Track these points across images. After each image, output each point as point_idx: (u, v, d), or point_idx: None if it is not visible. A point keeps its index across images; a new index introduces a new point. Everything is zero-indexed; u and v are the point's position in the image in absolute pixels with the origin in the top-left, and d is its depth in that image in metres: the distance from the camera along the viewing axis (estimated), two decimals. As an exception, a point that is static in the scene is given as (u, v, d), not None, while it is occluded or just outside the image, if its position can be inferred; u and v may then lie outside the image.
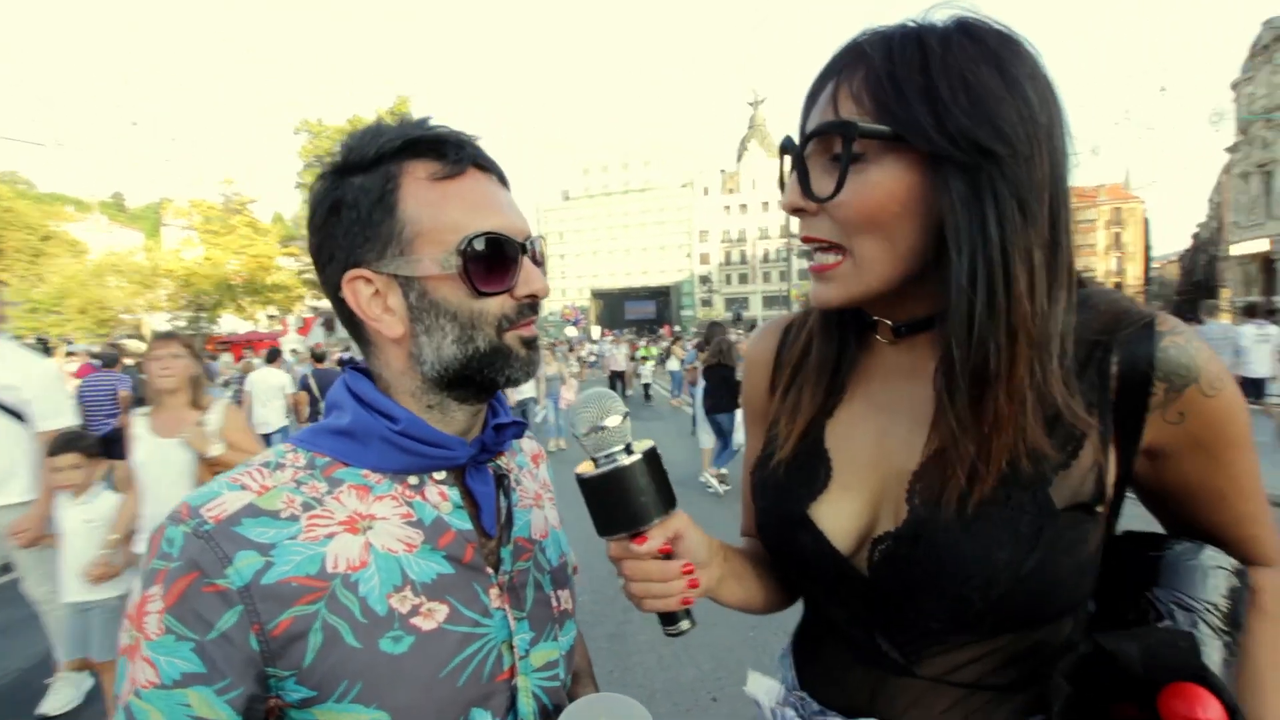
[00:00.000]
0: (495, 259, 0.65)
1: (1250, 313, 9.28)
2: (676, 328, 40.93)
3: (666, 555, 0.69)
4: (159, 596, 0.57)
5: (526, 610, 0.73)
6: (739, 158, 70.98)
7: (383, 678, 0.61)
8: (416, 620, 0.63)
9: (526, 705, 0.70)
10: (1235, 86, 32.57)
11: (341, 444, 0.68)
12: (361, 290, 0.66)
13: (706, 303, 69.30)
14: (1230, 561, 0.69)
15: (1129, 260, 65.11)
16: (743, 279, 70.28)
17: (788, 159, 0.71)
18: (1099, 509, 0.65)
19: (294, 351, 12.03)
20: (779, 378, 0.85)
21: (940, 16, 0.63)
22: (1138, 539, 0.74)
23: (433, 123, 0.68)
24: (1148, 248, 66.29)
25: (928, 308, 0.69)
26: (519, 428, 0.77)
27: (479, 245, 0.64)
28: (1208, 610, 0.66)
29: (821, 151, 0.66)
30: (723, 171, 74.23)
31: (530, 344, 0.70)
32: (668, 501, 0.67)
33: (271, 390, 7.84)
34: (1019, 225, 0.61)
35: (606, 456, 0.66)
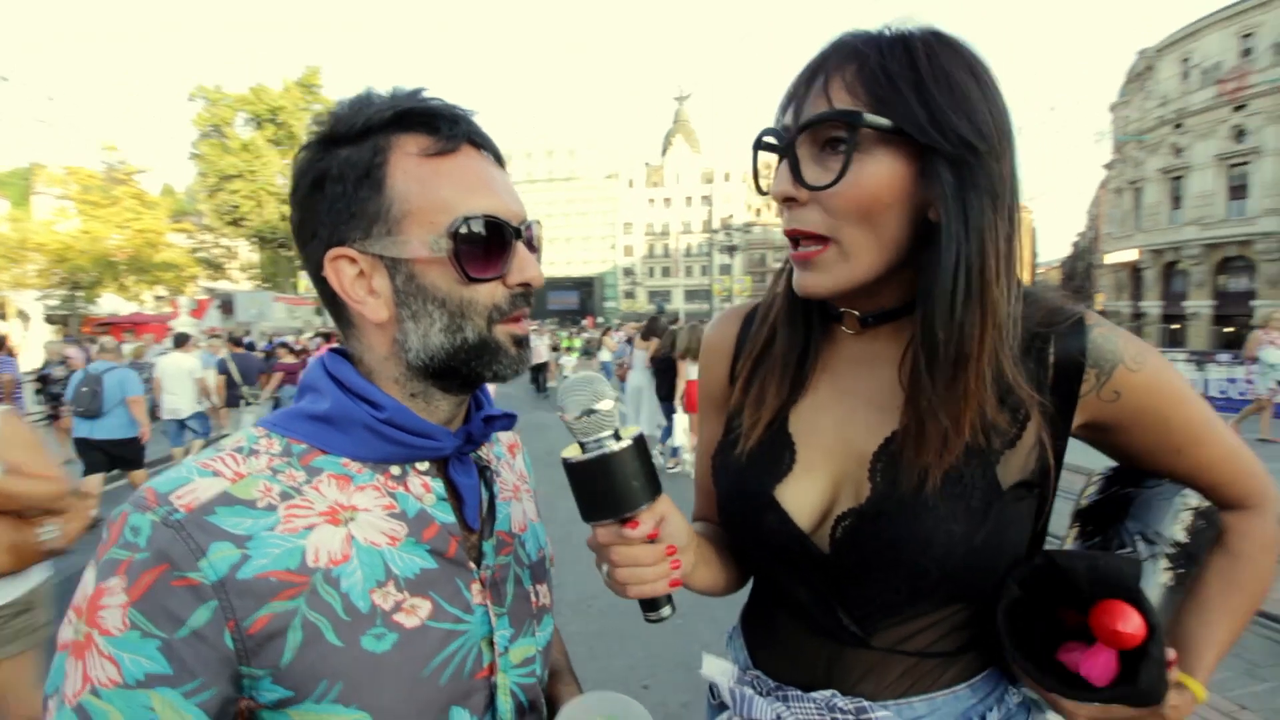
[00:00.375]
0: (488, 243, 0.62)
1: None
2: (599, 319, 40.87)
3: (651, 540, 0.68)
4: (121, 589, 0.53)
5: (506, 606, 0.70)
6: (664, 151, 71.52)
7: (364, 677, 0.58)
8: (399, 617, 0.61)
9: (505, 703, 0.68)
10: (1113, 109, 35.83)
11: (320, 430, 0.63)
12: (345, 270, 0.62)
13: (629, 295, 69.60)
14: (1202, 504, 0.75)
15: (1019, 267, 70.07)
16: (665, 272, 70.99)
17: (763, 155, 0.73)
18: (1037, 487, 0.73)
19: (215, 336, 11.11)
20: (739, 366, 0.86)
21: (911, 26, 0.68)
22: (1125, 476, 0.81)
23: (426, 94, 0.64)
24: (1034, 255, 71.93)
25: (894, 299, 0.74)
26: (509, 419, 0.74)
27: (471, 228, 0.61)
28: (1169, 544, 0.73)
29: (811, 142, 0.68)
30: (647, 164, 74.56)
31: (521, 343, 0.67)
32: (655, 486, 0.67)
33: (182, 376, 7.52)
34: (991, 216, 0.66)
35: (595, 441, 0.65)
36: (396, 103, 0.62)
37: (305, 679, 0.56)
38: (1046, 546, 0.79)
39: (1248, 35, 32.03)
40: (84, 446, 5.78)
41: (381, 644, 0.59)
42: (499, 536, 0.72)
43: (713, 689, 0.89)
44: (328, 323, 24.95)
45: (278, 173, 32.37)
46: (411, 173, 0.61)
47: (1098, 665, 0.65)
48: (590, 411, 0.65)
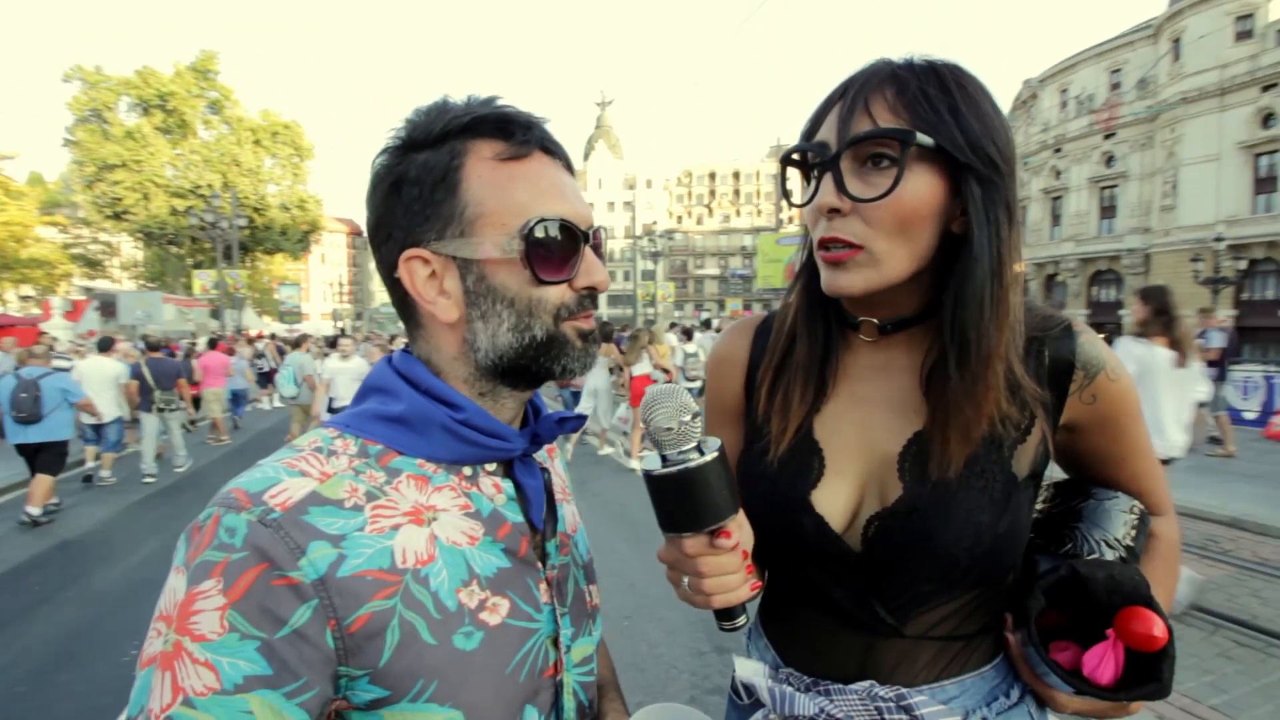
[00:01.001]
0: (558, 246, 0.64)
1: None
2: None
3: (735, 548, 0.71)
4: (217, 592, 0.51)
5: (569, 605, 0.72)
6: (586, 156, 71.44)
7: (457, 675, 0.59)
8: (484, 615, 0.62)
9: (569, 702, 0.70)
10: (1002, 132, 38.76)
11: (395, 432, 0.64)
12: (418, 271, 0.64)
13: (552, 299, 68.83)
14: (1138, 508, 0.85)
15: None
16: (588, 277, 70.69)
17: (791, 170, 0.81)
18: (1038, 479, 0.81)
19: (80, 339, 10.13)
20: (760, 375, 0.90)
21: (933, 58, 0.75)
22: (1066, 486, 0.90)
23: (501, 102, 0.66)
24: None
25: (912, 307, 0.80)
26: (580, 420, 0.75)
27: (543, 231, 0.62)
28: (1121, 545, 0.82)
29: (854, 157, 0.73)
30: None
31: (587, 337, 0.68)
32: (736, 496, 0.68)
33: (106, 380, 7.39)
34: (1009, 229, 0.74)
35: (680, 453, 0.66)
36: (472, 109, 0.63)
37: (403, 678, 0.56)
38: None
39: (1116, 70, 35.60)
40: (23, 450, 6.10)
41: (470, 642, 0.60)
42: (559, 537, 0.74)
43: (738, 690, 0.91)
44: (225, 326, 23.32)
45: (167, 163, 29.99)
46: (486, 176, 0.62)
47: (1108, 666, 0.71)
48: (681, 424, 0.65)
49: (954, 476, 0.75)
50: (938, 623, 0.80)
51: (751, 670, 0.89)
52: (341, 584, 0.54)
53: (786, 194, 0.81)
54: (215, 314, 24.74)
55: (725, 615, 0.71)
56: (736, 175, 70.99)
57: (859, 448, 0.81)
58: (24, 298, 29.09)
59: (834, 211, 0.74)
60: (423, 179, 0.62)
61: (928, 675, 0.80)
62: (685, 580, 0.70)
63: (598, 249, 0.69)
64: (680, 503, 0.66)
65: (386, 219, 0.64)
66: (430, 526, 0.61)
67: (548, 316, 0.64)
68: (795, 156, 0.79)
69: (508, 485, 0.68)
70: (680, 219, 70.16)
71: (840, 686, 0.82)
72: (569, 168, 0.69)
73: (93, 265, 32.83)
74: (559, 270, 0.64)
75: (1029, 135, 36.18)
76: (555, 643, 0.69)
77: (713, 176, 72.22)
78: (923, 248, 0.74)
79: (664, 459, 0.66)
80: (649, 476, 0.66)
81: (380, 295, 74.36)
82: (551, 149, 0.67)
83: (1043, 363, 0.79)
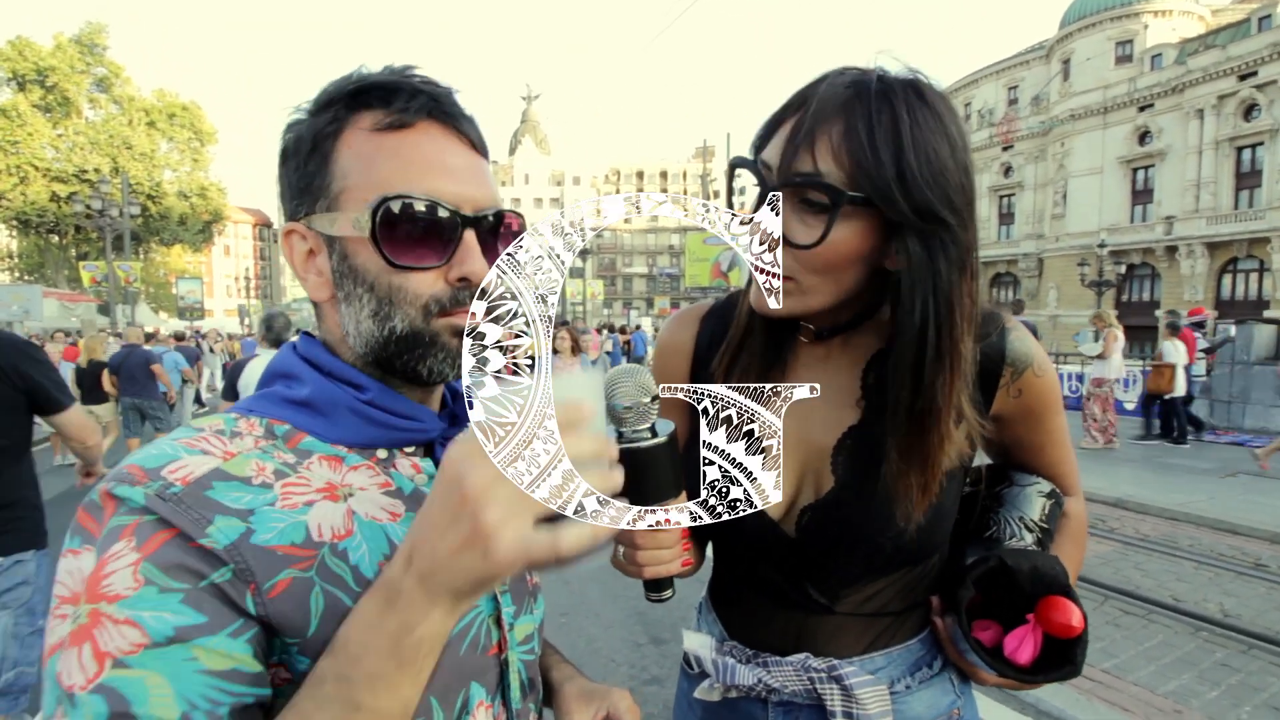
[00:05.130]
0: (421, 228, 0.58)
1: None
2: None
3: None
4: (130, 549, 0.47)
5: (508, 583, 0.70)
6: (511, 150, 70.28)
7: None
8: None
9: (514, 679, 0.69)
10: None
11: (302, 415, 0.61)
12: (297, 246, 0.62)
13: (478, 296, 67.42)
14: (1052, 490, 0.92)
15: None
16: (516, 274, 69.64)
17: (740, 174, 0.80)
18: (964, 467, 0.85)
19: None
20: (714, 365, 0.92)
21: (893, 68, 0.72)
22: (990, 471, 0.96)
23: (416, 72, 0.62)
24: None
25: (844, 318, 0.82)
26: None
27: (397, 208, 0.57)
28: (1038, 527, 0.89)
29: (792, 195, 0.72)
30: (495, 163, 72.86)
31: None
32: (682, 478, 0.70)
33: None
34: (958, 281, 0.72)
35: (635, 432, 0.66)
36: (366, 75, 0.60)
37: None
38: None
39: (1014, 87, 38.32)
40: None
41: None
42: None
43: (689, 660, 0.98)
44: (116, 322, 21.48)
45: (47, 144, 27.35)
46: (357, 148, 0.59)
47: (1026, 648, 0.79)
48: (636, 404, 0.65)
49: (880, 474, 0.78)
50: (865, 600, 0.86)
51: (698, 643, 0.96)
52: (255, 550, 0.50)
53: (731, 200, 0.81)
54: (104, 309, 22.77)
55: (654, 587, 0.73)
56: (664, 174, 71.63)
57: (797, 440, 0.84)
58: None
59: None
60: (300, 149, 0.60)
61: (857, 648, 0.87)
62: (620, 550, 0.72)
63: (493, 236, 0.63)
64: (629, 480, 0.66)
65: (281, 190, 0.63)
66: (347, 502, 0.58)
67: (410, 308, 0.59)
68: (744, 168, 0.80)
69: (428, 465, 0.65)
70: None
71: (778, 659, 0.88)
72: (475, 144, 0.63)
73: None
74: (420, 255, 0.58)
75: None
76: (498, 622, 0.67)
77: (641, 175, 72.57)
78: (849, 285, 0.75)
79: (619, 435, 0.66)
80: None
81: (292, 290, 70.57)
82: (446, 120, 0.61)
83: (975, 361, 0.81)
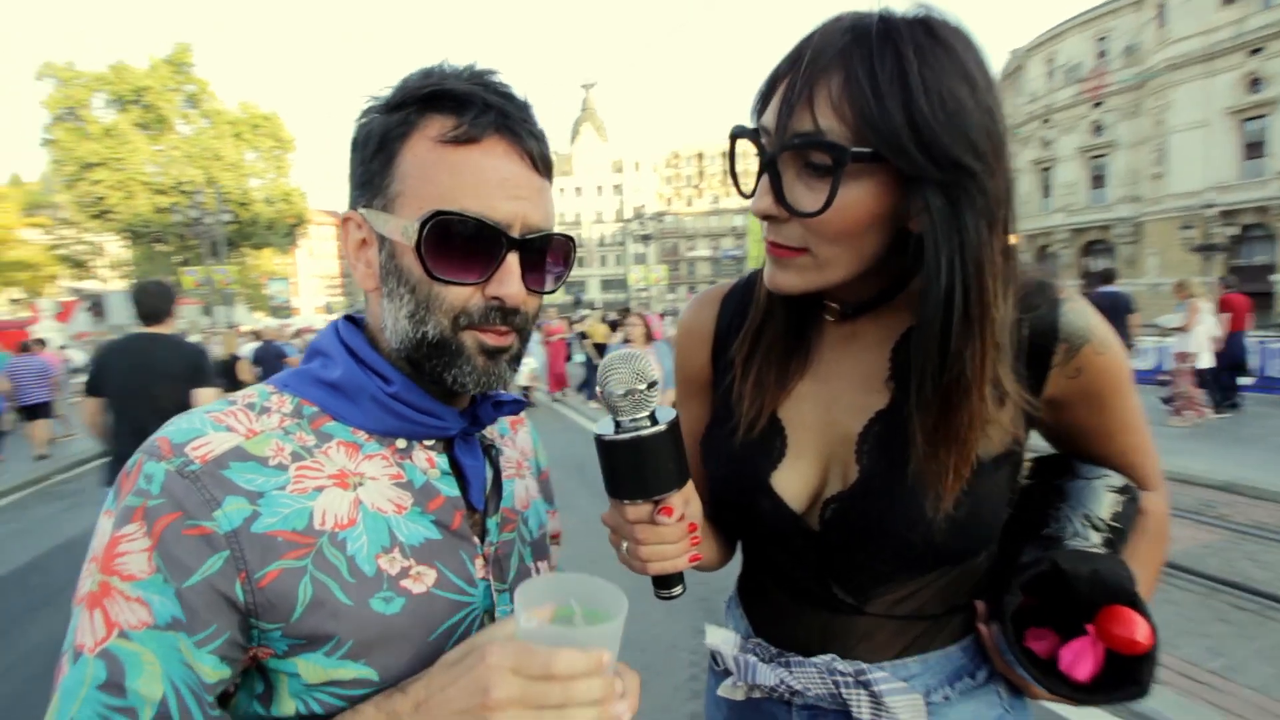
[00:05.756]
0: (462, 245, 0.59)
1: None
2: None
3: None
4: (142, 534, 0.53)
5: (509, 582, 0.71)
6: (572, 140, 70.76)
7: (373, 636, 0.58)
8: (407, 583, 0.61)
9: None
10: (991, 104, 38.59)
11: (330, 397, 0.64)
12: (352, 233, 0.65)
13: (544, 286, 68.66)
14: (1125, 485, 0.80)
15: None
16: (580, 262, 70.58)
17: (741, 145, 0.72)
18: (1013, 455, 0.75)
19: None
20: (721, 349, 0.88)
21: (901, 7, 0.63)
22: (1050, 462, 0.84)
23: (493, 77, 0.63)
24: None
25: (873, 291, 0.74)
26: (518, 405, 0.73)
27: (442, 225, 0.59)
28: (1107, 526, 0.78)
29: (794, 157, 0.65)
30: (556, 154, 73.36)
31: (492, 354, 0.63)
32: (685, 470, 0.68)
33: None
34: (987, 236, 0.64)
35: (633, 420, 0.64)
36: (439, 80, 0.61)
37: (315, 634, 0.57)
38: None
39: (1103, 38, 35.39)
40: None
41: (390, 606, 0.59)
42: (503, 514, 0.73)
43: (715, 657, 0.92)
44: (216, 324, 23.14)
45: (147, 160, 29.53)
46: (420, 155, 0.60)
47: (1085, 663, 0.69)
48: (632, 391, 0.63)
49: (910, 462, 0.71)
50: (899, 601, 0.78)
51: (720, 639, 0.90)
52: (254, 538, 0.54)
53: (735, 176, 0.75)
54: (207, 311, 24.53)
55: (662, 584, 0.71)
56: (725, 155, 70.47)
57: (822, 426, 0.79)
58: (13, 301, 28.78)
59: (772, 218, 0.69)
60: (369, 144, 0.62)
61: (889, 652, 0.79)
62: (624, 545, 0.70)
63: (553, 258, 0.65)
64: (627, 470, 0.65)
65: (350, 174, 0.65)
66: (355, 491, 0.60)
67: (443, 317, 0.61)
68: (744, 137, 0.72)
69: (442, 460, 0.67)
70: (670, 201, 69.71)
71: (801, 659, 0.82)
72: (537, 162, 0.64)
73: (79, 266, 32.43)
74: (462, 271, 0.60)
75: (1017, 106, 36.01)
76: (493, 617, 0.68)
77: (701, 157, 71.72)
78: (870, 252, 0.69)
79: (617, 424, 0.64)
80: (599, 441, 0.65)
81: (371, 287, 73.37)
82: (515, 138, 0.61)
83: (1020, 337, 0.72)
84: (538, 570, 0.78)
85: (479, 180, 0.59)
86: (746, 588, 0.94)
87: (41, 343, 10.55)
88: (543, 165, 0.64)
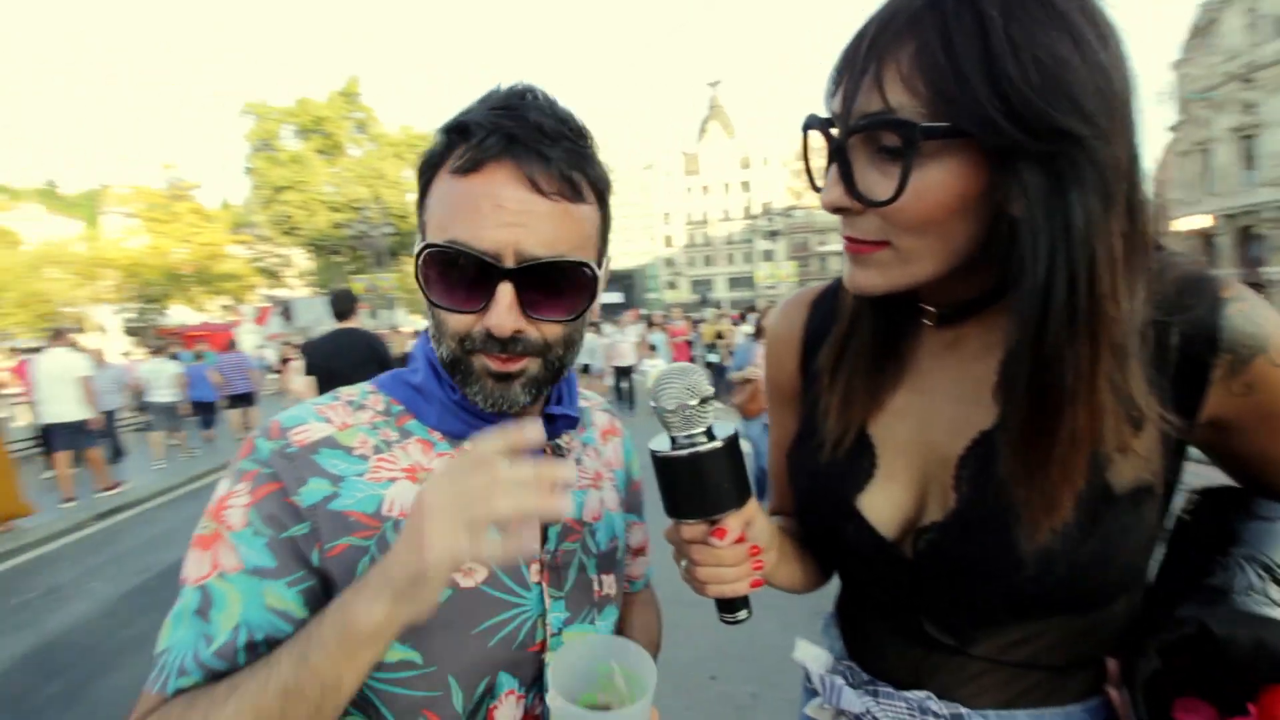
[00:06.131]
0: (453, 275, 0.62)
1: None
2: (642, 311, 40.88)
3: (737, 542, 0.67)
4: (246, 493, 0.62)
5: (565, 591, 0.73)
6: (700, 138, 70.81)
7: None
8: (456, 575, 0.65)
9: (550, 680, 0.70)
10: (1176, 66, 33.81)
11: (413, 398, 0.72)
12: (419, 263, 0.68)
13: (672, 285, 69.40)
14: None
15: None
16: (707, 261, 70.45)
17: (814, 137, 0.64)
18: (1157, 489, 0.62)
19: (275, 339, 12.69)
20: (810, 357, 0.82)
21: None
22: (1220, 496, 0.71)
23: (519, 100, 0.63)
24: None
25: (975, 290, 0.65)
26: (569, 421, 0.77)
27: (430, 255, 0.62)
28: None
29: (866, 143, 0.59)
30: (684, 153, 74.02)
31: (499, 378, 0.65)
32: (745, 489, 0.65)
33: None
34: (1100, 215, 0.54)
35: (688, 437, 0.62)
36: (466, 112, 0.63)
37: None
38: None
39: (1251, 9, 29.77)
40: None
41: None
42: (566, 523, 0.75)
43: (808, 673, 0.85)
44: (379, 327, 25.80)
45: (325, 181, 33.41)
46: (440, 188, 0.63)
47: None
48: (684, 407, 0.62)
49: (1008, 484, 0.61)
50: (1009, 646, 0.68)
51: (809, 656, 0.84)
52: (330, 514, 0.63)
53: (809, 169, 0.67)
54: (373, 314, 27.44)
55: (725, 607, 0.68)
56: (859, 144, 67.20)
57: (917, 445, 0.70)
58: (224, 307, 33.83)
59: (845, 210, 0.61)
60: (423, 172, 0.66)
61: (995, 699, 0.69)
62: (682, 564, 0.68)
63: (554, 286, 0.63)
64: (679, 488, 0.64)
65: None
66: (422, 485, 0.62)
67: (451, 340, 0.65)
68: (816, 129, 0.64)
69: None
70: (800, 195, 67.70)
71: (890, 690, 0.74)
72: (545, 185, 0.61)
73: (273, 276, 37.30)
74: (459, 300, 0.62)
75: (1210, 66, 31.20)
76: (545, 622, 0.70)
77: (833, 148, 68.83)
78: (961, 242, 0.59)
79: (672, 440, 0.63)
80: (653, 456, 0.64)
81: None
82: (519, 162, 0.60)
83: (1167, 345, 0.61)
84: (600, 583, 0.77)
85: (471, 209, 0.60)
86: (841, 609, 0.87)
87: (233, 343, 12.84)
88: (552, 186, 0.61)
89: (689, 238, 71.12)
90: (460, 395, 0.69)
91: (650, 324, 12.64)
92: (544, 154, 0.61)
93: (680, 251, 71.22)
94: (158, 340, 15.33)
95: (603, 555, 0.79)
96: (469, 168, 0.60)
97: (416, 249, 0.63)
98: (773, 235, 38.14)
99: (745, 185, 67.88)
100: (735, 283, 65.38)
